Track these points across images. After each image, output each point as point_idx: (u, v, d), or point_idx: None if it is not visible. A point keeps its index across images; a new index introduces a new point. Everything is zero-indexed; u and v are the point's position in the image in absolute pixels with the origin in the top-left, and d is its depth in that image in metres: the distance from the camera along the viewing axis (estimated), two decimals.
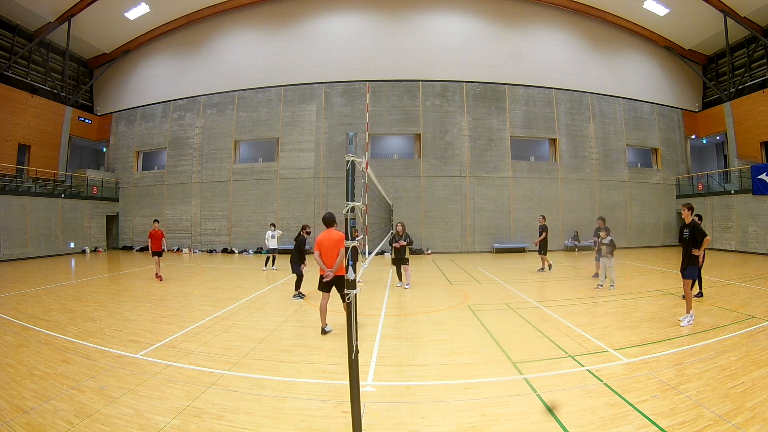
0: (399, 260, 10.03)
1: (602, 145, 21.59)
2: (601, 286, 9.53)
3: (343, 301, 5.55)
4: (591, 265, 14.66)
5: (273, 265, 13.93)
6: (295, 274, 8.99)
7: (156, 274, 11.35)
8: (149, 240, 11.49)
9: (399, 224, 10.18)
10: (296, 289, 8.88)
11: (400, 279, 10.17)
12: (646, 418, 3.38)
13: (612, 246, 9.41)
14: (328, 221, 5.87)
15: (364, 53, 20.80)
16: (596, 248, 10.49)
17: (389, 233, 15.51)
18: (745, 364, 4.53)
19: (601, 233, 9.82)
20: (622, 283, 10.25)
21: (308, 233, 8.98)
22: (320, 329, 6.12)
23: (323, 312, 6.06)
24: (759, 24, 19.80)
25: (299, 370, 4.65)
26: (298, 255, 8.89)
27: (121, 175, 23.09)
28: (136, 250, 21.57)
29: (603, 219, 10.70)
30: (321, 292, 6.05)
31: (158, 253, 11.36)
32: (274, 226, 14.63)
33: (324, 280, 5.85)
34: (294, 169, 20.63)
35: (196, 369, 4.66)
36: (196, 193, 21.55)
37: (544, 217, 12.97)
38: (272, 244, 13.95)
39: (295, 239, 9.12)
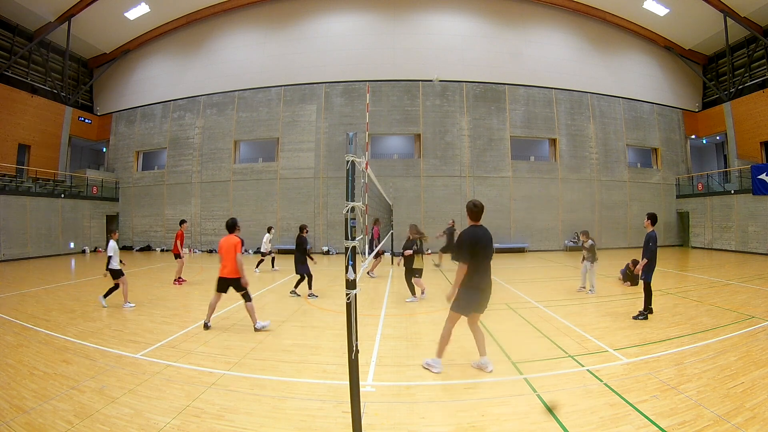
0: (408, 271, 8.64)
1: (602, 145, 21.58)
2: (584, 288, 9.28)
3: (246, 300, 6.26)
4: None
5: (273, 266, 13.79)
6: (300, 275, 8.91)
7: (180, 278, 10.83)
8: (176, 241, 10.91)
9: (412, 226, 8.95)
10: (309, 288, 8.98)
11: (412, 293, 8.68)
12: (646, 418, 3.38)
13: (592, 250, 9.13)
14: (229, 227, 6.36)
15: (364, 53, 20.80)
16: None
17: (389, 233, 15.50)
18: (745, 364, 4.53)
19: (581, 236, 9.45)
20: (619, 283, 10.26)
21: (307, 232, 9.13)
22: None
23: (212, 308, 6.36)
24: (759, 24, 19.80)
25: (299, 370, 4.65)
26: (302, 255, 8.88)
27: (121, 175, 23.09)
28: (136, 250, 21.56)
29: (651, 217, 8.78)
30: (218, 292, 6.34)
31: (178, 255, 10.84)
32: (273, 229, 14.51)
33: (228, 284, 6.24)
34: (294, 169, 20.63)
35: (196, 369, 4.66)
36: (196, 193, 21.55)
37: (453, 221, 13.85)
38: (266, 247, 13.64)
39: (297, 241, 9.06)
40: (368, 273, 12.04)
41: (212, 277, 12.08)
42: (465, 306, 4.41)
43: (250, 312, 6.27)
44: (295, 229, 19.73)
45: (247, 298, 6.25)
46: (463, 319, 4.55)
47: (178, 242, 10.94)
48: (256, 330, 6.21)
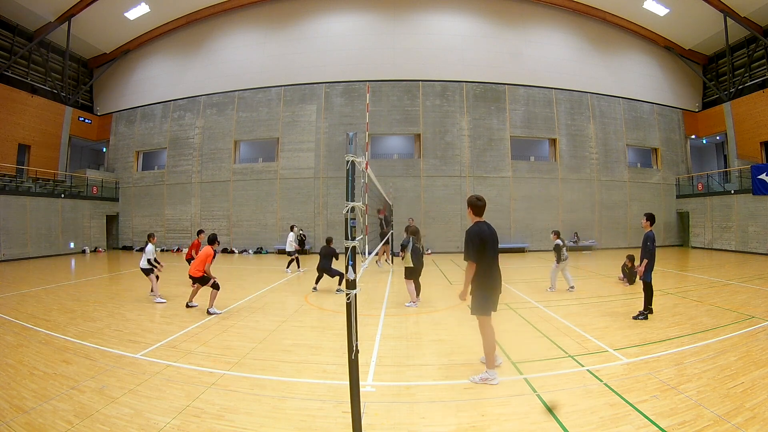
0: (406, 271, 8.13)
1: (602, 145, 21.59)
2: (573, 288, 9.30)
3: (214, 288, 7.52)
4: (591, 264, 14.69)
5: (298, 268, 13.40)
6: (339, 275, 9.47)
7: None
8: (191, 249, 11.11)
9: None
10: (339, 284, 9.62)
11: (411, 297, 8.16)
12: (646, 418, 3.38)
13: (557, 250, 9.10)
14: (210, 240, 7.71)
15: (364, 53, 20.81)
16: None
17: (389, 233, 15.49)
18: (745, 364, 4.53)
19: (552, 236, 9.50)
20: (620, 283, 10.27)
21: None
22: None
23: (193, 293, 7.83)
24: (759, 24, 19.80)
25: (299, 370, 4.65)
26: (331, 261, 9.59)
27: (121, 175, 23.09)
28: (136, 250, 21.55)
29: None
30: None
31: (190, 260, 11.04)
32: (296, 227, 14.07)
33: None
34: (294, 169, 20.63)
35: (196, 369, 4.66)
36: (196, 193, 21.55)
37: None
38: (291, 247, 13.34)
39: (328, 250, 9.59)
40: (377, 263, 12.12)
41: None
42: (486, 305, 4.31)
43: (212, 297, 7.44)
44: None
45: (215, 287, 7.53)
46: (473, 319, 4.51)
47: (194, 251, 11.04)
48: (208, 313, 7.27)
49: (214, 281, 7.52)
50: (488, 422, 3.43)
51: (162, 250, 21.20)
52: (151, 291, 8.80)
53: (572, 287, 9.34)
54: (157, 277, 8.83)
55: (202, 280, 7.51)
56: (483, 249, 4.22)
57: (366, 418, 3.43)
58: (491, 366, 4.31)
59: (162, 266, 8.87)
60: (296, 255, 13.41)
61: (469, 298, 4.45)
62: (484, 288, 4.28)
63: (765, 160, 19.53)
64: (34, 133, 20.33)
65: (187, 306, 7.69)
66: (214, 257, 7.65)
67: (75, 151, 23.66)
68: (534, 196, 20.55)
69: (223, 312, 7.42)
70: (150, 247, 8.77)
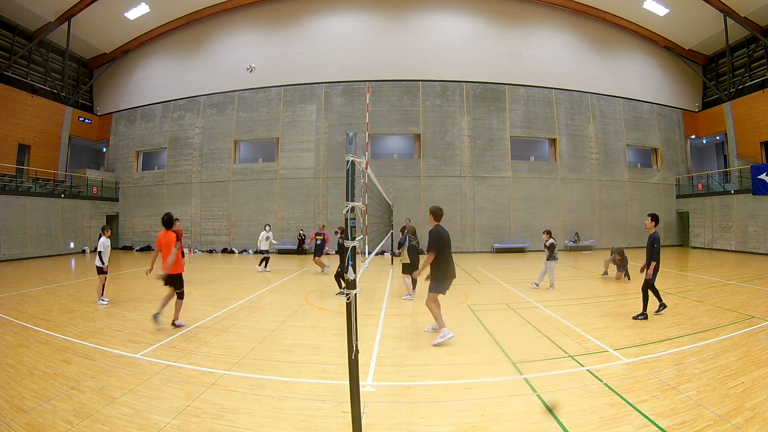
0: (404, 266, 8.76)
1: (602, 145, 21.59)
2: (537, 286, 9.71)
3: (179, 298, 6.44)
4: (591, 264, 14.68)
5: (266, 266, 13.41)
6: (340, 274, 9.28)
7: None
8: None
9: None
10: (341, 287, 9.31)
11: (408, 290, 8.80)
12: (646, 418, 3.38)
13: (552, 249, 9.53)
14: (166, 222, 6.45)
15: (364, 53, 20.81)
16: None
17: (389, 233, 15.49)
18: (745, 364, 4.53)
19: (544, 236, 9.88)
20: (619, 283, 10.27)
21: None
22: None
23: (164, 302, 6.41)
24: (759, 24, 19.80)
25: (299, 370, 4.65)
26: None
27: (121, 175, 23.09)
28: (136, 250, 21.57)
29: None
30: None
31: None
32: (269, 226, 14.13)
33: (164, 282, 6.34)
34: (294, 169, 20.63)
35: (196, 369, 4.66)
36: (196, 193, 21.55)
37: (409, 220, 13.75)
38: (264, 245, 13.41)
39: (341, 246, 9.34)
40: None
41: (213, 277, 12.13)
42: (439, 287, 5.60)
43: (177, 308, 6.45)
44: (295, 229, 19.95)
45: (180, 296, 6.47)
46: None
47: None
48: (174, 325, 6.36)
49: (181, 291, 6.45)
50: (488, 422, 3.43)
51: None
52: (99, 294, 8.22)
53: (537, 285, 9.70)
54: (99, 281, 8.26)
55: (176, 279, 6.36)
56: (441, 244, 5.50)
57: (366, 418, 3.43)
58: (442, 326, 5.60)
59: (106, 266, 8.22)
60: (266, 256, 13.50)
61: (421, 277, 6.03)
62: (441, 274, 5.56)
63: (765, 160, 19.53)
64: (34, 133, 20.33)
65: (174, 325, 6.41)
66: (177, 240, 6.45)
67: (75, 151, 23.66)
68: (534, 196, 20.55)
69: (185, 324, 6.54)
70: (102, 240, 8.09)
